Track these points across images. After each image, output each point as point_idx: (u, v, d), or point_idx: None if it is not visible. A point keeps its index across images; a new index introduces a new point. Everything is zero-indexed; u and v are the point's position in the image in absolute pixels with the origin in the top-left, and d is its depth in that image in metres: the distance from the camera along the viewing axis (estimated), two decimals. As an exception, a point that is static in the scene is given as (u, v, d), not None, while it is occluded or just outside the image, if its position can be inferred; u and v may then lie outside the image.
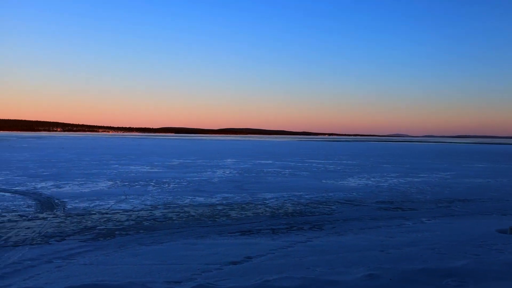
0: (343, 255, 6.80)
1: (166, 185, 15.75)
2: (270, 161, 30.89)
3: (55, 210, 10.51)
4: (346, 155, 42.24)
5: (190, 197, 12.85)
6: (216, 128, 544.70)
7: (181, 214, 10.13)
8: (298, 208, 11.33)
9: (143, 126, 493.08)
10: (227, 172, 21.81)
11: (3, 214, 9.85)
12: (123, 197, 12.79)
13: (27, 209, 10.57)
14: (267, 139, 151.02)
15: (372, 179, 19.42)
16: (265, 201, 12.29)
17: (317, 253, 6.90)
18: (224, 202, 12.09)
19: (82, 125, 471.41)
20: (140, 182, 16.63)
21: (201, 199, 12.50)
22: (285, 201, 12.36)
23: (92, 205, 11.30)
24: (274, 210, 10.88)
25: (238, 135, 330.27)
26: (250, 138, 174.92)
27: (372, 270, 5.87)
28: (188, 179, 18.11)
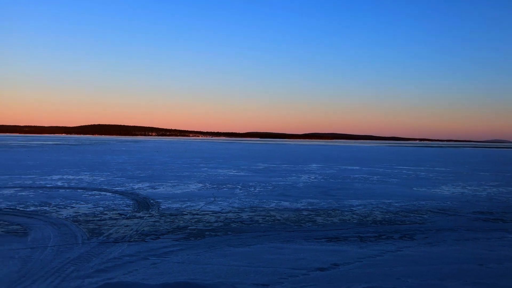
0: (437, 267, 6.45)
1: (252, 189, 16.05)
2: (357, 167, 30.18)
3: (151, 209, 11.17)
4: (439, 162, 39.95)
5: (275, 201, 12.96)
6: (301, 133, 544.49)
7: (267, 218, 10.26)
8: (387, 216, 10.94)
9: (230, 131, 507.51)
10: (312, 177, 21.69)
11: (105, 212, 10.68)
12: (212, 199, 13.26)
13: (125, 208, 11.36)
14: (353, 144, 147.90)
15: (468, 187, 18.17)
16: (352, 208, 12.03)
17: (408, 263, 6.61)
18: (310, 207, 12.03)
19: (174, 130, 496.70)
20: (228, 185, 17.12)
21: (286, 204, 12.56)
22: (373, 209, 12.00)
23: (184, 206, 11.85)
24: (361, 218, 10.61)
25: (323, 140, 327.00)
26: (336, 143, 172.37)
27: (471, 285, 5.49)
28: (274, 183, 18.29)
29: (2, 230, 8.42)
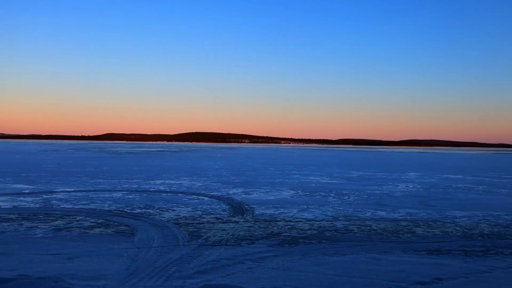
0: (557, 289, 5.79)
1: (346, 197, 15.73)
2: (460, 176, 28.23)
3: (245, 215, 11.44)
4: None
5: (371, 211, 12.58)
6: (397, 140, 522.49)
7: (363, 228, 9.98)
8: (495, 229, 10.08)
9: (322, 138, 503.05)
10: (410, 186, 20.70)
11: (203, 215, 11.16)
12: (305, 206, 13.23)
13: (222, 212, 11.77)
14: (455, 151, 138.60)
15: None
16: (455, 220, 11.27)
17: (522, 283, 6.02)
18: (408, 218, 11.49)
19: (266, 137, 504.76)
20: (321, 193, 16.97)
21: (383, 213, 12.12)
22: (480, 221, 11.12)
23: (277, 212, 11.97)
24: (466, 230, 9.89)
25: (422, 147, 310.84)
26: (436, 151, 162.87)
27: None
28: (369, 192, 17.76)
29: (112, 230, 9.16)
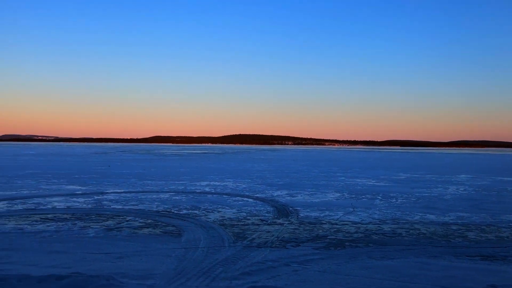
0: None
1: (394, 200, 15.36)
2: (515, 178, 26.89)
3: (290, 217, 11.41)
4: None
5: (420, 214, 12.21)
6: (446, 141, 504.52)
7: (411, 231, 9.71)
8: (555, 235, 9.52)
9: (368, 139, 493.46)
10: (461, 189, 19.93)
11: (248, 217, 11.22)
12: (350, 209, 13.03)
13: (266, 214, 11.79)
14: (509, 153, 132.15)
15: None
16: (510, 224, 10.75)
17: None
18: (459, 221, 11.07)
19: (310, 139, 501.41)
20: (367, 195, 16.66)
21: (432, 217, 11.74)
22: (538, 226, 10.55)
23: (322, 215, 11.86)
24: (523, 235, 9.40)
25: (472, 148, 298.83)
26: (488, 151, 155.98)
27: None
28: (417, 194, 17.25)
29: (160, 230, 9.39)
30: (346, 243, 8.36)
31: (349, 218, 11.41)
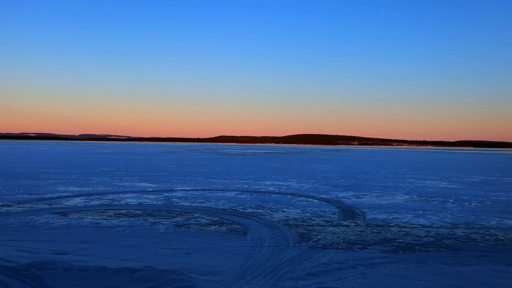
0: None
1: (467, 203, 14.57)
2: None
3: (356, 219, 11.18)
4: None
5: (496, 219, 11.49)
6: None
7: (487, 237, 9.16)
8: None
9: (438, 139, 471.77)
10: (544, 193, 18.50)
11: (313, 218, 11.15)
12: (420, 212, 12.53)
13: (331, 215, 11.64)
14: None
15: None
16: None
17: None
18: (542, 228, 10.28)
19: (377, 139, 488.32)
20: (438, 198, 15.94)
21: (510, 222, 11.01)
22: None
23: (390, 217, 11.51)
24: None
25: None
26: None
27: None
28: (493, 198, 16.25)
29: (226, 228, 9.58)
30: (416, 247, 8.06)
31: (418, 221, 10.98)
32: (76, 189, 16.92)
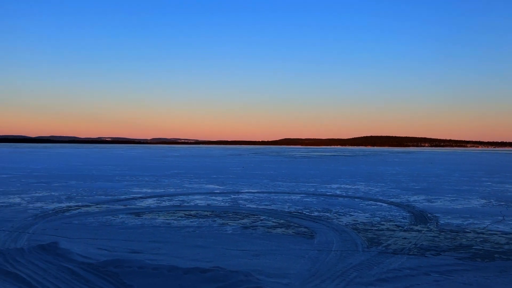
0: None
1: (554, 209, 13.44)
2: None
3: (428, 224, 10.71)
4: None
5: None
6: None
7: None
8: None
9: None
10: None
11: (382, 222, 10.82)
12: (500, 217, 11.76)
13: (402, 220, 11.23)
14: None
15: None
16: None
17: None
18: None
19: (449, 140, 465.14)
20: (519, 203, 14.86)
21: None
22: None
23: (466, 222, 10.90)
24: None
25: None
26: None
27: None
28: None
29: (293, 231, 9.56)
30: (496, 255, 7.56)
31: (498, 227, 10.30)
32: (149, 190, 17.68)
